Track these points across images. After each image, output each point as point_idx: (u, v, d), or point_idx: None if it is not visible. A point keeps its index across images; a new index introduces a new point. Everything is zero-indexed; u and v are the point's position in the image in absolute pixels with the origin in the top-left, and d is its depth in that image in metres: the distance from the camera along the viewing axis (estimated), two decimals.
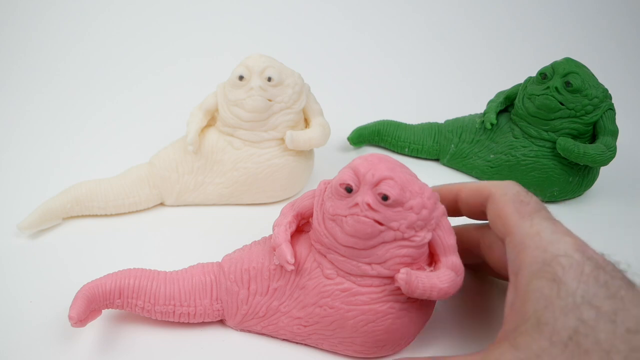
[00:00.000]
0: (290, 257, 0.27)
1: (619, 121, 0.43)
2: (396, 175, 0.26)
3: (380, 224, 0.25)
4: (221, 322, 0.31)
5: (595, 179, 0.45)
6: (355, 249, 0.26)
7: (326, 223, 0.27)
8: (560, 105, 0.42)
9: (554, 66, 0.43)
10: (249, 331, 0.31)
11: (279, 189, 0.42)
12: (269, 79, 0.39)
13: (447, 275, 0.26)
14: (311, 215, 0.29)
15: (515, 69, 0.58)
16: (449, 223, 0.27)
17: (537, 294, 0.22)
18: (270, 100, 0.40)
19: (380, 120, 0.52)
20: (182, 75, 0.67)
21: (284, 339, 0.30)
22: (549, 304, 0.21)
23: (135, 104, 0.60)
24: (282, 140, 0.41)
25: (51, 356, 0.29)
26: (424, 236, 0.26)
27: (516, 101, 0.45)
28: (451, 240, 0.27)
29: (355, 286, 0.27)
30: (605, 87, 0.43)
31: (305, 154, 0.43)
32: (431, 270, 0.27)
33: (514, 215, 0.25)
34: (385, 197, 0.25)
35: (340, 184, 0.26)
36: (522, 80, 0.46)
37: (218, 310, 0.30)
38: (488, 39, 0.77)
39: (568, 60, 0.43)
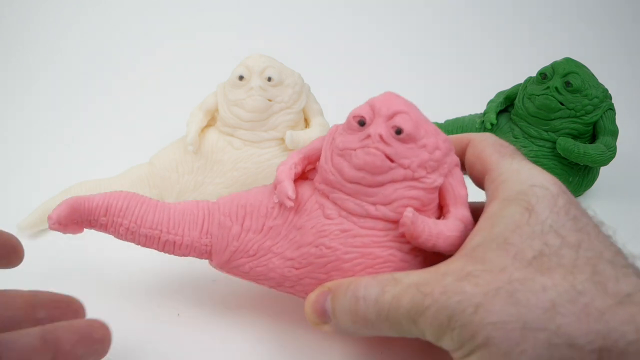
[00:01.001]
0: (291, 193, 0.26)
1: (619, 121, 0.43)
2: (412, 111, 0.25)
3: (391, 160, 0.24)
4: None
5: (595, 179, 0.45)
6: (361, 185, 0.25)
7: (334, 159, 0.26)
8: (560, 105, 0.42)
9: (554, 66, 0.43)
10: (234, 274, 0.29)
11: None
12: (269, 79, 0.39)
13: (456, 225, 0.24)
14: (318, 158, 0.28)
15: (515, 69, 0.58)
16: (462, 176, 0.26)
17: (507, 219, 0.22)
18: (270, 100, 0.40)
19: None
20: (182, 75, 0.67)
21: (270, 286, 0.28)
22: (517, 228, 0.21)
23: (136, 104, 0.60)
24: (282, 140, 0.41)
25: None
26: (435, 179, 0.25)
27: (516, 101, 0.45)
28: (463, 192, 0.25)
29: (356, 227, 0.25)
30: (605, 87, 0.43)
31: None
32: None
33: (494, 155, 0.25)
34: (399, 131, 0.24)
35: (354, 117, 0.25)
36: (522, 80, 0.46)
37: (206, 245, 0.28)
38: (488, 39, 0.77)
39: (568, 60, 0.43)
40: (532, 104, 0.43)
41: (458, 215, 0.25)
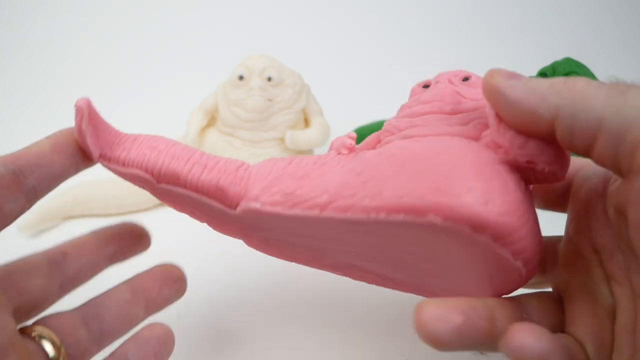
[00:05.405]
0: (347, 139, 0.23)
1: None
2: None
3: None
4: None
5: None
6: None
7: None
8: None
9: (554, 66, 0.43)
10: (274, 204, 0.21)
11: None
12: (269, 79, 0.39)
13: None
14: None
15: (516, 69, 0.59)
16: None
17: None
18: (270, 100, 0.40)
19: (380, 120, 0.52)
20: (182, 75, 0.67)
21: (321, 205, 0.20)
22: None
23: (135, 104, 0.60)
24: (282, 140, 0.41)
25: None
26: None
27: None
28: None
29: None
30: None
31: (305, 154, 0.43)
32: None
33: None
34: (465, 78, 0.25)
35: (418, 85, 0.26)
36: None
37: (242, 177, 0.22)
38: (488, 39, 0.77)
39: (568, 60, 0.43)
40: None
41: None
